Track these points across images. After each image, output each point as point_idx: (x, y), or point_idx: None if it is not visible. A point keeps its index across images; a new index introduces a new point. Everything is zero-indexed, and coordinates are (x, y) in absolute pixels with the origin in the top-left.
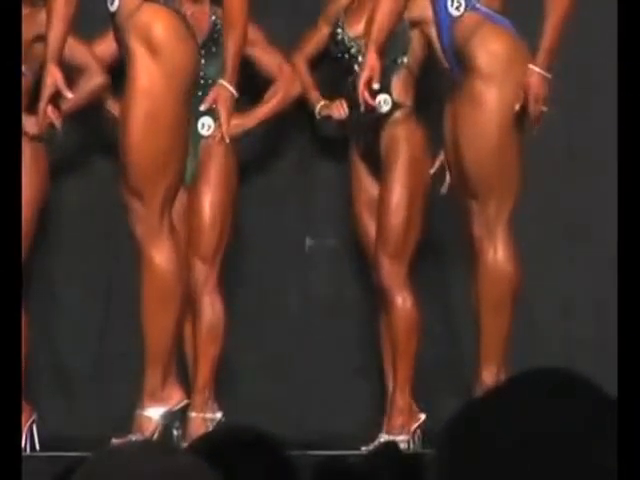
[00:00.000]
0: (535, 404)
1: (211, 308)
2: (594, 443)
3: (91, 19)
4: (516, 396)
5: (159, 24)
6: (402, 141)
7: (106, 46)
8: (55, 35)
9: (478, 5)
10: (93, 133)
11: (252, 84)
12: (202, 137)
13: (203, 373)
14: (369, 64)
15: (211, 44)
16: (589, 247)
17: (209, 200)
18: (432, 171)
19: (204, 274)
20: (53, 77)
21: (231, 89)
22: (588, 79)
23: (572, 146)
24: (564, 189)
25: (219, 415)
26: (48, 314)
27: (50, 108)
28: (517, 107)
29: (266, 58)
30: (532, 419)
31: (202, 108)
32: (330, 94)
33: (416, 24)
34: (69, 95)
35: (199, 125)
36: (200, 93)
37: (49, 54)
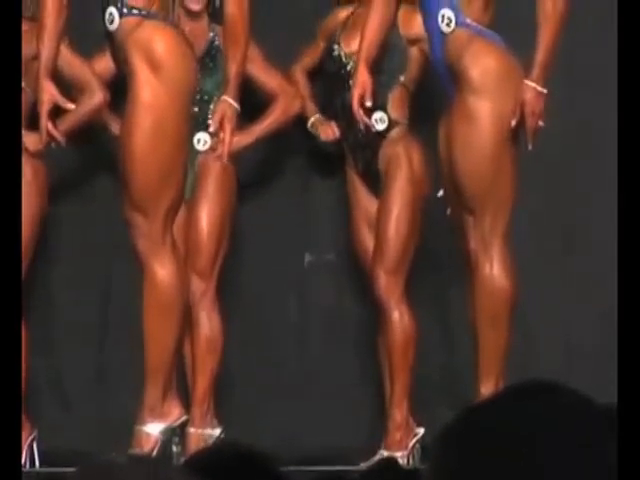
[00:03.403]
0: (526, 415)
1: (209, 322)
2: (585, 455)
3: (87, 37)
4: (508, 407)
5: (160, 40)
6: (400, 158)
7: (105, 64)
8: (47, 51)
9: (468, 21)
10: (92, 149)
11: (251, 101)
12: (198, 152)
13: (201, 388)
14: (360, 81)
15: (208, 60)
16: (588, 259)
17: (206, 215)
18: (440, 194)
19: (201, 289)
20: (49, 92)
21: (235, 105)
22: (587, 92)
23: (571, 157)
24: (562, 200)
25: (218, 431)
26: (48, 329)
27: (51, 123)
28: (513, 123)
29: (265, 76)
30: (523, 431)
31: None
32: (328, 111)
33: (414, 42)
34: (69, 107)
35: (195, 140)
36: (196, 109)
37: (42, 70)
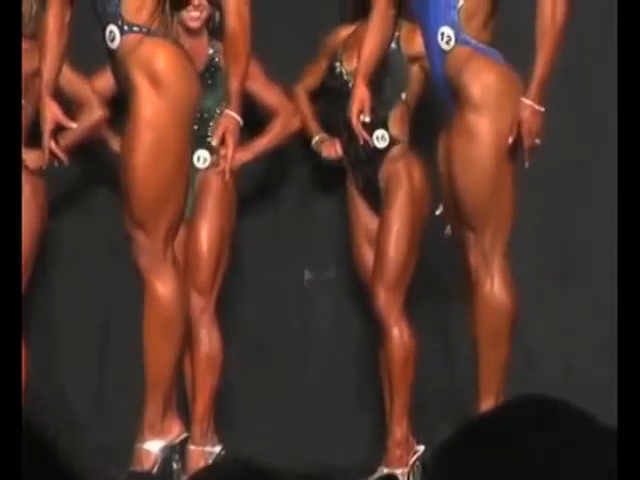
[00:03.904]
0: (524, 431)
1: (208, 339)
2: (584, 470)
3: (87, 55)
4: (505, 422)
5: (161, 56)
6: (400, 175)
7: (105, 81)
8: (49, 69)
9: (468, 38)
10: (91, 164)
11: (250, 117)
12: (198, 170)
13: (201, 405)
14: (358, 96)
15: (207, 77)
16: (588, 276)
17: (206, 232)
18: (438, 212)
19: (201, 305)
20: (51, 110)
21: (238, 119)
22: (588, 110)
23: (571, 174)
24: (562, 217)
25: (218, 448)
26: (47, 347)
27: (54, 143)
28: (510, 140)
29: (266, 92)
30: (520, 446)
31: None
32: (328, 128)
33: (415, 59)
34: (72, 126)
35: (195, 158)
36: (196, 127)
37: (44, 87)
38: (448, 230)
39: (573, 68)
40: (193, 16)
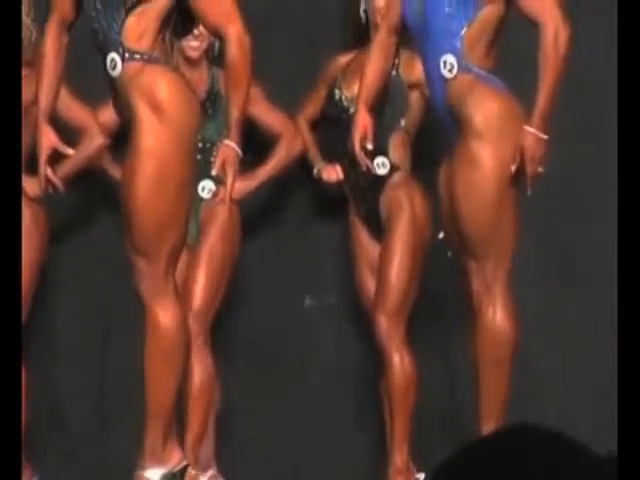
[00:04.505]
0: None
1: (200, 368)
2: None
3: (89, 83)
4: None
5: (163, 84)
6: (402, 203)
7: (109, 113)
8: (46, 95)
9: (470, 66)
10: (92, 190)
11: (252, 142)
12: (202, 200)
13: (194, 431)
14: (360, 123)
15: (208, 106)
16: (589, 302)
17: (206, 262)
18: (441, 236)
19: (195, 331)
20: (48, 137)
21: (237, 149)
22: (588, 128)
23: (571, 200)
24: (563, 241)
25: (212, 471)
26: (48, 371)
27: (50, 170)
28: (513, 169)
29: (267, 117)
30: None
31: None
32: (329, 156)
33: (415, 86)
34: (69, 152)
35: (199, 188)
36: (199, 156)
37: (41, 114)
38: (450, 253)
39: (573, 94)
40: (193, 46)
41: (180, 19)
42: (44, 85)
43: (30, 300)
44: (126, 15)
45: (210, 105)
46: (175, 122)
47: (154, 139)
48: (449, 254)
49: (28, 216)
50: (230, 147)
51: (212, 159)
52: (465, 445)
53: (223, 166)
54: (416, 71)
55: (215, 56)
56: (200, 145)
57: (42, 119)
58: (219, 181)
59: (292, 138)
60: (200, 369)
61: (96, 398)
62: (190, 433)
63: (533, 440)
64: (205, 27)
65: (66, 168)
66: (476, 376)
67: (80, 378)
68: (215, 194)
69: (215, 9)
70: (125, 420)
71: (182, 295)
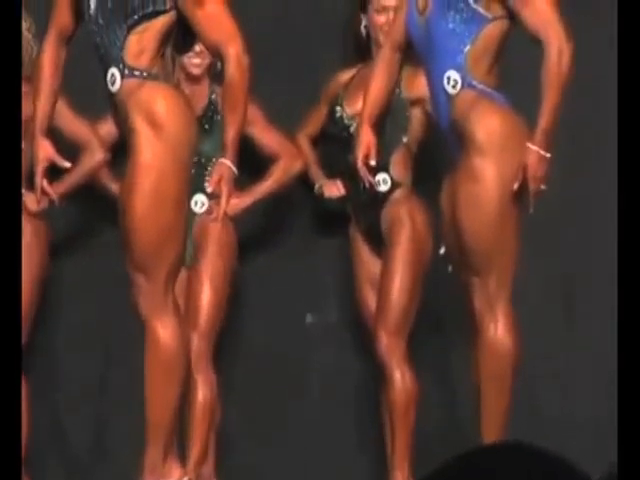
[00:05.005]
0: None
1: (205, 386)
2: None
3: (90, 99)
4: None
5: (161, 100)
6: (403, 220)
7: (108, 127)
8: (42, 108)
9: (474, 82)
10: (92, 208)
11: (250, 161)
12: (195, 214)
13: (197, 449)
14: (364, 140)
15: (204, 121)
16: (589, 322)
17: (207, 278)
18: (442, 251)
19: (200, 349)
20: (44, 149)
21: (233, 167)
22: (588, 147)
23: (571, 217)
24: (564, 262)
25: None
26: (48, 388)
27: (46, 182)
28: (516, 186)
29: (266, 137)
30: None
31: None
32: (330, 172)
33: (416, 103)
34: (66, 164)
35: (192, 203)
36: (193, 170)
37: (37, 127)
38: (451, 268)
39: (575, 112)
40: (195, 62)
41: (181, 35)
42: (41, 97)
43: (31, 316)
44: (128, 31)
45: (207, 121)
46: (173, 138)
47: (152, 155)
48: (449, 269)
49: (29, 232)
50: (226, 165)
51: (207, 174)
52: (446, 462)
53: (219, 183)
54: (418, 88)
55: (216, 73)
56: (195, 159)
57: (38, 131)
58: (212, 196)
59: (290, 158)
60: (205, 388)
61: (96, 414)
62: (193, 451)
63: (518, 459)
64: (205, 46)
65: (66, 183)
66: (477, 392)
67: (80, 395)
68: (209, 210)
69: (215, 28)
70: (125, 436)
71: (185, 313)
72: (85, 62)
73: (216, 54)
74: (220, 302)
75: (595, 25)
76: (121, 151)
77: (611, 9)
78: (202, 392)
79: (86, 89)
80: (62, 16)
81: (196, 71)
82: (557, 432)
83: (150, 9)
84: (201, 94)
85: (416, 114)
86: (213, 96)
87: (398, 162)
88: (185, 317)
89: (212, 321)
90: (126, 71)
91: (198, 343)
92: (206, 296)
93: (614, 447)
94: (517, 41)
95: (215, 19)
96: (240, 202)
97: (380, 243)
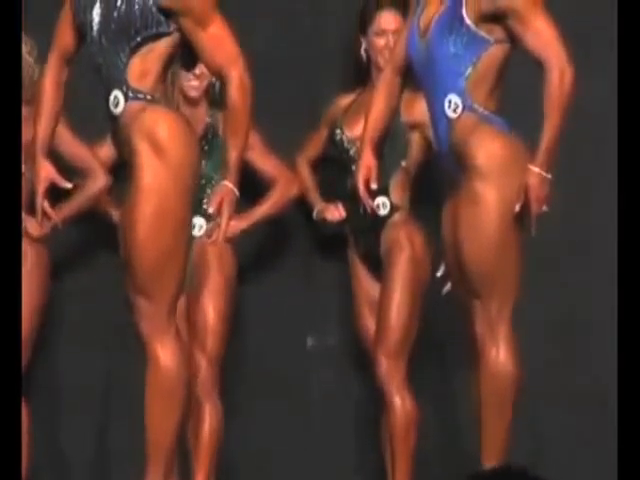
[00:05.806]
0: None
1: (212, 414)
2: None
3: (92, 122)
4: None
5: (164, 124)
6: (402, 243)
7: (108, 150)
8: (43, 129)
9: (475, 106)
10: (92, 232)
11: (249, 185)
12: (194, 238)
13: (202, 475)
14: (365, 163)
15: (204, 143)
16: (588, 343)
17: (210, 303)
18: (439, 274)
19: (206, 375)
20: (45, 170)
21: (235, 190)
22: (588, 173)
23: (571, 240)
24: (564, 285)
25: None
26: (49, 412)
27: (47, 203)
28: (517, 208)
29: (264, 161)
30: None
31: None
32: (329, 195)
33: (415, 127)
34: (67, 185)
35: None
36: None
37: (38, 147)
38: (445, 290)
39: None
40: (193, 85)
41: (183, 57)
42: (42, 118)
43: (32, 340)
44: (131, 53)
45: (206, 143)
46: (175, 162)
47: (154, 179)
48: (443, 292)
49: (31, 256)
50: (228, 188)
51: (205, 197)
52: None
53: (220, 205)
54: (416, 112)
55: (215, 95)
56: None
57: (39, 152)
58: (210, 219)
59: (288, 182)
60: (212, 416)
61: (98, 439)
62: (198, 476)
63: None
64: (207, 68)
65: (70, 207)
66: (478, 415)
67: (80, 417)
68: (208, 233)
69: (218, 51)
70: (127, 461)
71: (188, 338)
72: (83, 83)
73: (218, 76)
74: (224, 326)
75: (594, 47)
76: (121, 174)
77: (611, 30)
78: (209, 420)
79: (84, 109)
80: (64, 37)
81: (194, 93)
82: (558, 455)
83: (154, 31)
84: (199, 116)
85: (414, 138)
86: (210, 120)
87: (397, 186)
88: (189, 341)
89: (219, 345)
90: (130, 93)
91: (207, 368)
92: (211, 319)
93: (614, 469)
94: (518, 64)
95: (218, 41)
96: (238, 225)
97: (379, 266)
